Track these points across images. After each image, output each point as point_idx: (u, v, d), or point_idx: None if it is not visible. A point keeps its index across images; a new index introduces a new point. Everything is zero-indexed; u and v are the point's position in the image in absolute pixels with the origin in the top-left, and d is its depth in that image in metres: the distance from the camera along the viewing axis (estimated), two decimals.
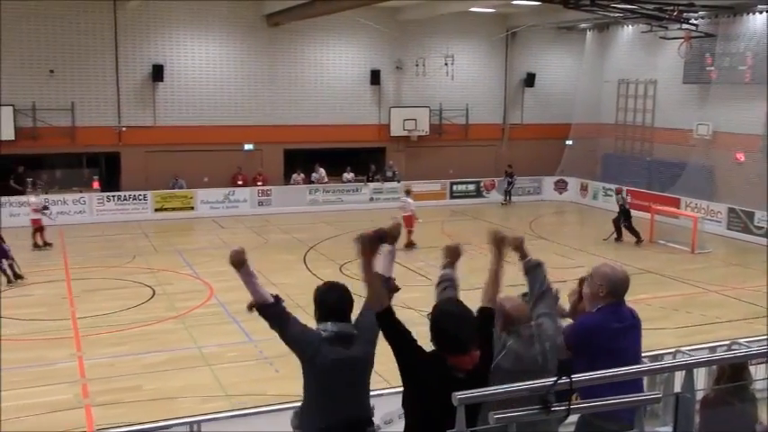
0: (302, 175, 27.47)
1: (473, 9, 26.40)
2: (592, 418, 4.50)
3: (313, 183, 27.50)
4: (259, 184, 26.47)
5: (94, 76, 24.44)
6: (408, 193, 21.23)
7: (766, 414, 4.84)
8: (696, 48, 24.24)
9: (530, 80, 30.09)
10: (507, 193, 28.95)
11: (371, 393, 4.66)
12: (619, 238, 21.75)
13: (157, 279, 17.12)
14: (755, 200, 21.80)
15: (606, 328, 4.71)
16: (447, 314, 3.94)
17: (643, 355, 5.21)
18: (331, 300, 4.38)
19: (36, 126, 23.69)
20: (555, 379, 3.50)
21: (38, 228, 20.21)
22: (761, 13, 22.64)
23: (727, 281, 17.51)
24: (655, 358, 6.38)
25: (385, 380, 6.80)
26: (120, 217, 24.12)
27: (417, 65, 27.40)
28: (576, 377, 3.55)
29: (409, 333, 4.02)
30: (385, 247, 4.59)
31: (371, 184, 27.90)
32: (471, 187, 29.07)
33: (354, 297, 4.47)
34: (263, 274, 17.19)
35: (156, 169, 25.03)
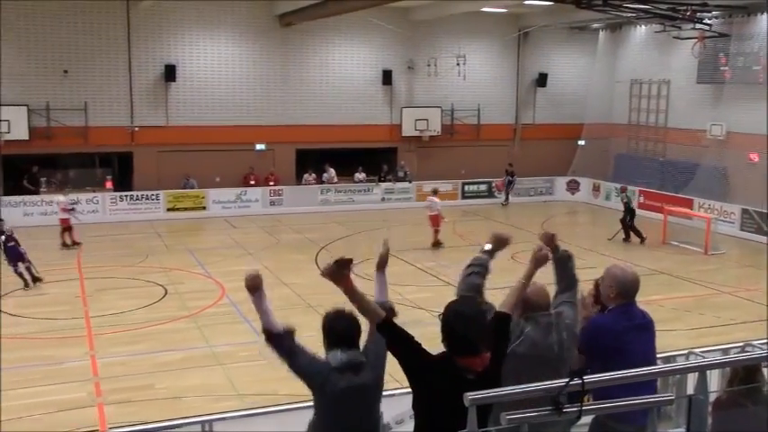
0: (314, 175, 27.51)
1: (485, 9, 26.35)
2: (605, 419, 4.50)
3: (324, 183, 27.54)
4: (271, 183, 26.52)
5: (107, 77, 24.57)
6: (435, 192, 21.68)
7: None
8: (710, 48, 24.09)
9: (542, 80, 30.01)
10: (506, 193, 28.80)
11: (383, 394, 4.66)
12: (627, 238, 21.71)
13: (169, 278, 17.18)
14: None
15: (616, 328, 4.74)
16: (458, 315, 3.92)
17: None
18: (339, 327, 4.38)
19: (50, 126, 23.82)
20: (567, 380, 3.49)
21: (66, 227, 20.30)
22: None
23: (741, 282, 17.41)
24: (667, 360, 6.35)
25: (396, 380, 6.81)
26: (133, 216, 24.23)
27: (429, 65, 27.37)
28: (587, 378, 3.55)
29: (413, 338, 4.00)
30: (375, 275, 4.71)
31: (383, 185, 27.91)
32: (483, 187, 29.02)
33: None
34: (274, 273, 17.35)
35: (169, 169, 25.13)
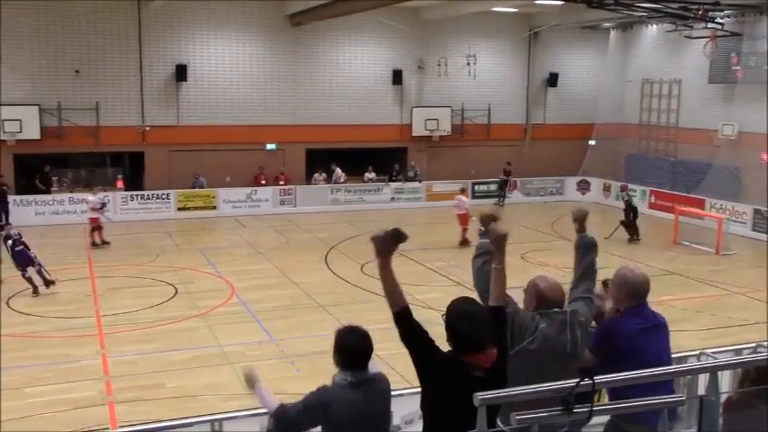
0: (324, 174, 27.54)
1: (495, 9, 26.29)
2: (618, 420, 4.50)
3: (342, 183, 27.57)
4: (281, 183, 26.56)
5: (119, 76, 24.67)
6: (462, 191, 22.05)
7: None
8: (722, 47, 23.97)
9: (552, 80, 29.94)
10: (502, 193, 28.36)
11: (392, 394, 4.66)
12: (634, 237, 21.68)
13: (180, 278, 17.23)
14: None
15: (627, 330, 4.75)
16: (460, 313, 3.92)
17: None
18: (351, 344, 4.29)
19: (61, 125, 23.95)
20: (577, 380, 3.48)
21: (96, 226, 20.32)
22: None
23: (753, 283, 17.29)
24: (679, 360, 6.32)
25: (406, 380, 6.81)
26: (144, 216, 24.32)
27: (439, 65, 27.34)
28: (598, 379, 3.53)
29: (426, 333, 3.99)
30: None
31: (393, 184, 27.90)
32: (493, 187, 28.95)
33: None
34: (284, 273, 17.37)
35: (179, 168, 25.21)
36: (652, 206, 26.51)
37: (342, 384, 4.21)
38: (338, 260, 18.88)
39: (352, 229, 22.92)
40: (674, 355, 6.43)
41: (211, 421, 5.84)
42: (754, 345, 6.76)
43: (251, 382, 4.60)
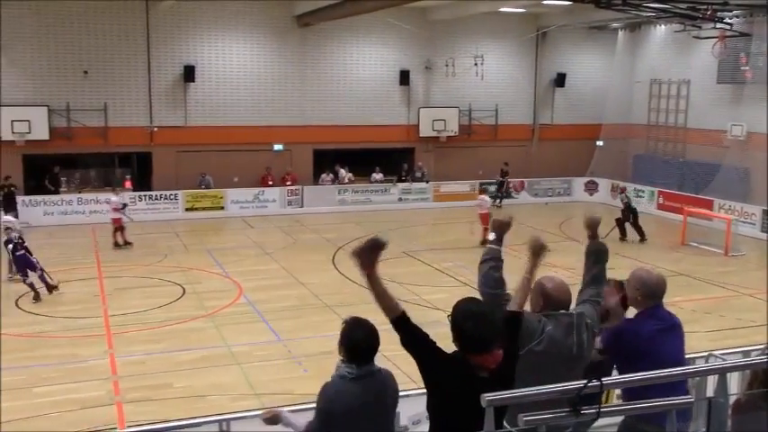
0: (331, 175, 27.55)
1: (503, 9, 26.26)
2: (634, 420, 4.50)
3: (346, 183, 27.57)
4: (288, 183, 26.58)
5: (127, 77, 24.74)
6: (485, 191, 22.22)
7: None
8: (730, 47, 23.87)
9: (560, 80, 29.88)
10: (499, 194, 27.97)
11: (400, 394, 4.65)
12: (623, 237, 21.73)
13: (188, 278, 17.27)
14: None
15: (644, 331, 4.77)
16: (467, 313, 3.91)
17: None
18: (356, 338, 4.23)
19: (70, 126, 24.03)
20: (585, 381, 3.47)
21: (118, 227, 20.35)
22: None
23: (761, 284, 17.18)
24: (687, 362, 6.31)
25: (413, 381, 6.80)
26: (152, 216, 24.36)
27: (447, 65, 27.31)
28: (606, 380, 3.52)
29: (427, 336, 3.98)
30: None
31: (400, 185, 27.91)
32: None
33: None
34: (292, 273, 17.39)
35: (187, 169, 25.27)
36: (660, 207, 26.43)
37: (342, 375, 4.18)
38: (345, 261, 18.85)
39: (360, 229, 22.91)
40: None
41: (219, 421, 5.85)
42: (762, 346, 6.73)
43: (273, 420, 4.59)
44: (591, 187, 29.70)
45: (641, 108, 29.16)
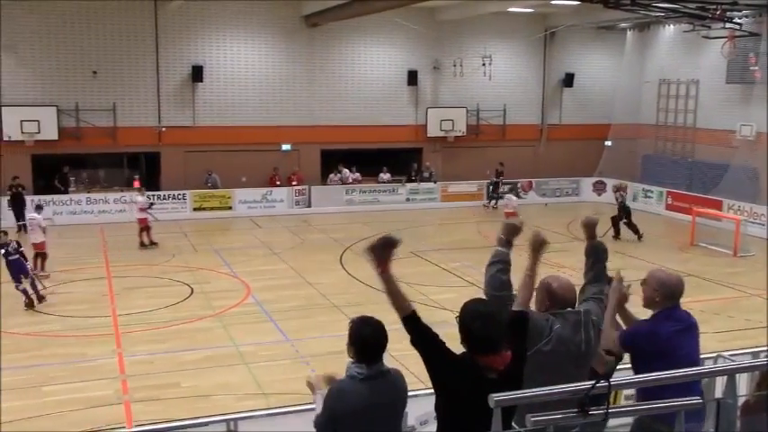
0: (339, 175, 27.56)
1: (511, 9, 26.23)
2: (649, 420, 4.49)
3: (350, 183, 27.57)
4: (293, 183, 26.60)
5: (135, 77, 24.82)
6: (512, 190, 22.40)
7: None
8: (740, 47, 23.77)
9: (568, 80, 29.81)
10: (494, 195, 27.74)
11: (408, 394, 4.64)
12: (617, 236, 21.72)
13: (195, 278, 17.30)
14: None
15: (662, 332, 4.78)
16: (475, 313, 3.89)
17: None
18: (365, 335, 4.19)
19: (79, 126, 24.12)
20: (593, 382, 3.46)
21: (144, 227, 20.40)
22: None
23: None
24: (701, 362, 6.29)
25: (421, 381, 6.79)
26: (160, 216, 24.37)
27: (455, 65, 27.30)
28: (614, 381, 3.52)
29: (437, 336, 3.96)
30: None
31: (408, 185, 27.91)
32: (508, 188, 28.84)
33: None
34: (299, 273, 17.40)
35: (195, 169, 25.33)
36: (669, 207, 26.36)
37: (351, 376, 4.16)
38: (353, 261, 18.88)
39: (367, 229, 22.90)
40: None
41: (226, 421, 5.84)
42: None
43: (312, 387, 4.61)
44: (599, 187, 29.60)
45: (650, 108, 29.07)
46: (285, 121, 26.49)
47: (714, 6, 20.02)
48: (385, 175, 28.13)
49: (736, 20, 22.44)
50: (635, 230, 21.78)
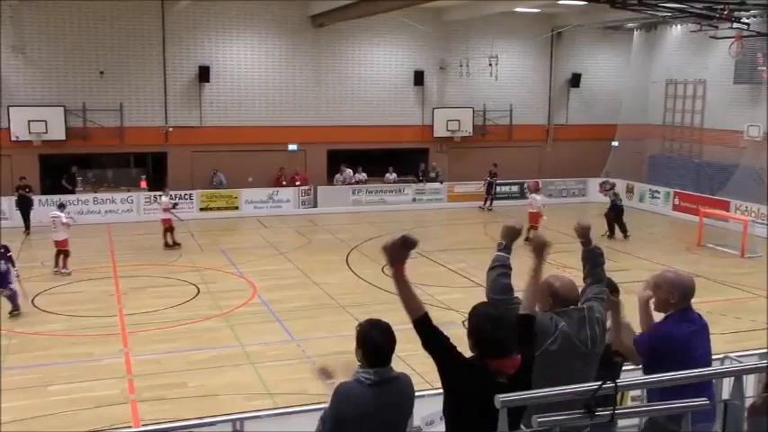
0: (342, 175, 27.56)
1: (518, 9, 26.19)
2: (663, 420, 4.49)
3: (354, 183, 27.57)
4: (297, 184, 26.60)
5: (142, 78, 24.88)
6: (536, 190, 22.42)
7: None
8: (747, 47, 23.68)
9: (575, 80, 29.76)
10: (489, 196, 27.53)
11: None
12: (611, 234, 21.95)
13: (202, 277, 17.33)
14: None
15: (679, 334, 4.79)
16: (486, 317, 3.88)
17: None
18: (373, 338, 4.16)
19: (86, 126, 24.19)
20: (599, 383, 3.46)
21: (168, 227, 20.42)
22: None
23: None
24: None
25: (426, 381, 6.80)
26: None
27: (461, 65, 27.27)
28: (620, 382, 3.51)
29: (448, 339, 3.94)
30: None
31: (414, 185, 27.90)
32: (515, 188, 28.83)
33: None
34: (306, 274, 17.41)
35: (202, 169, 25.39)
36: (676, 208, 26.30)
37: (358, 380, 4.13)
38: (359, 261, 18.89)
39: (374, 229, 22.92)
40: None
41: (233, 420, 5.86)
42: None
43: (322, 375, 4.60)
44: (606, 188, 29.50)
45: (657, 108, 28.98)
46: (291, 122, 26.52)
47: (721, 6, 19.94)
48: (391, 176, 28.13)
49: (744, 20, 22.34)
50: (622, 229, 22.05)
